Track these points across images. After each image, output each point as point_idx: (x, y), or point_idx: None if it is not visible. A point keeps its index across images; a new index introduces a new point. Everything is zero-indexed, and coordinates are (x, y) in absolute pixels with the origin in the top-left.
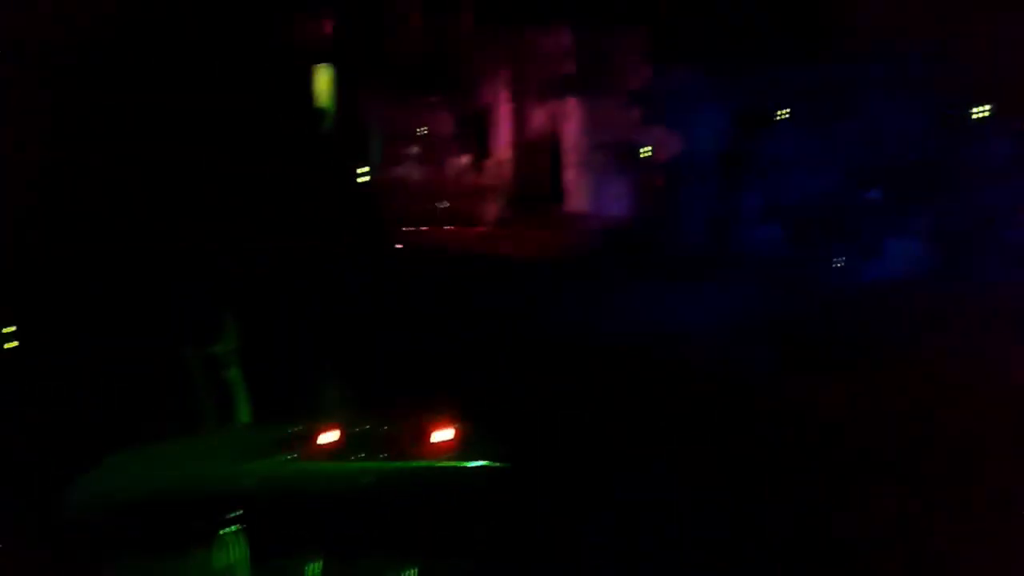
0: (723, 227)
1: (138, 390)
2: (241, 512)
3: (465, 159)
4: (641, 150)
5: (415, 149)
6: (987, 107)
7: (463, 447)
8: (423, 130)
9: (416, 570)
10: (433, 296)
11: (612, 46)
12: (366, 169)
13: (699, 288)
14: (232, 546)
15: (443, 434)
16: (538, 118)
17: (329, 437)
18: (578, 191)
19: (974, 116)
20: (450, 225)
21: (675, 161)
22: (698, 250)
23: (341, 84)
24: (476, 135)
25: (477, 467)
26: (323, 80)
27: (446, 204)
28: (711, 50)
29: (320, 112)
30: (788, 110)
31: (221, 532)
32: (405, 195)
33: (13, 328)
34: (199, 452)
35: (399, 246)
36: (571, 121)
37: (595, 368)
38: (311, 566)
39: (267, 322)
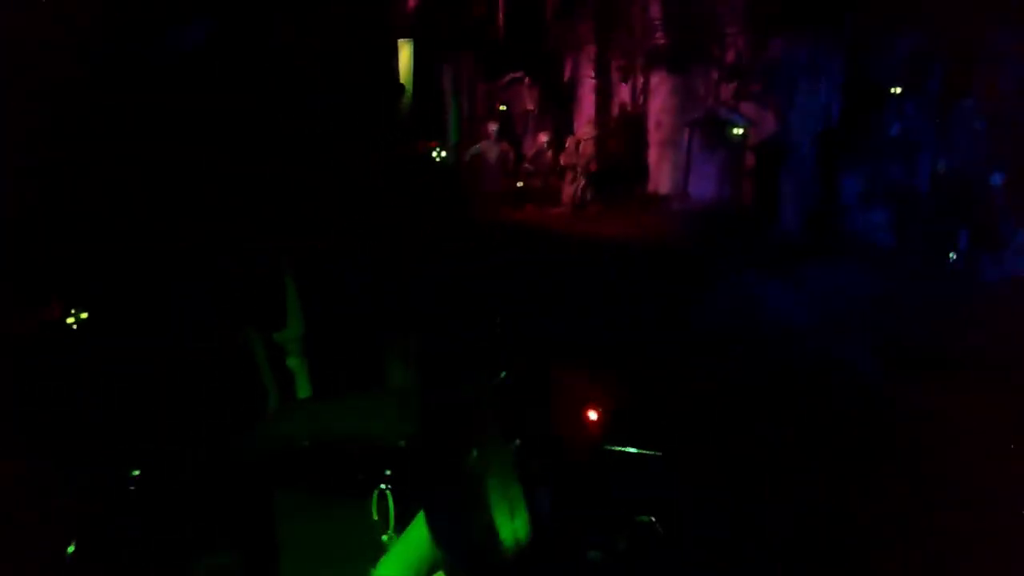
0: (825, 212)
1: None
2: (390, 472)
3: (545, 137)
4: (734, 128)
5: (495, 126)
6: None
7: (607, 430)
8: (503, 107)
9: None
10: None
11: (704, 16)
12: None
13: (800, 282)
14: (385, 501)
15: (591, 415)
16: (623, 94)
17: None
18: (664, 171)
19: None
20: (528, 204)
21: (772, 139)
22: (797, 238)
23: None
24: (558, 112)
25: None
26: (404, 56)
27: (521, 184)
28: (814, 17)
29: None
30: (901, 83)
31: (380, 487)
32: (483, 173)
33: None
34: (359, 410)
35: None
36: (658, 97)
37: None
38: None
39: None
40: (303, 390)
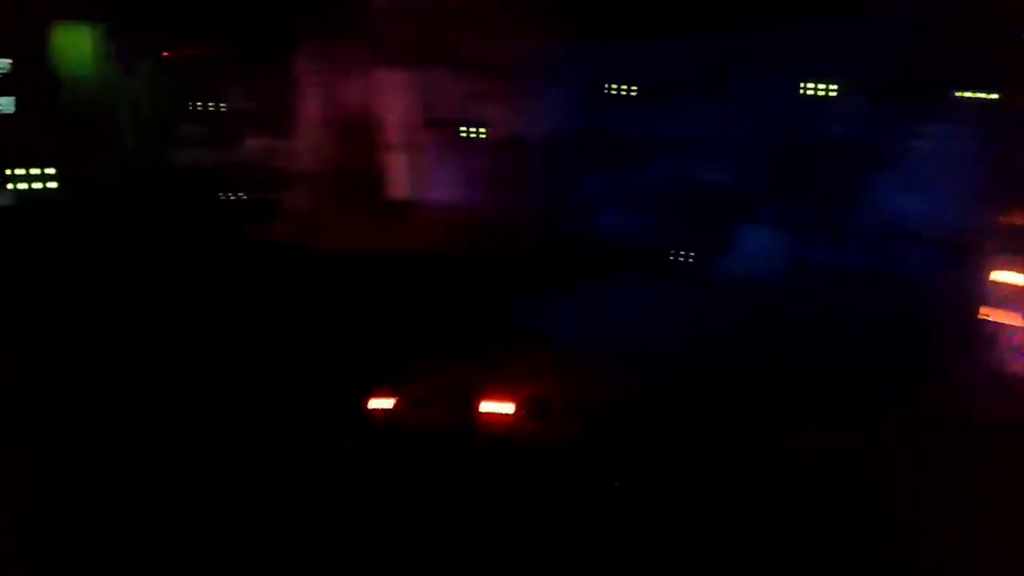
0: (568, 214)
1: None
2: None
3: (269, 140)
4: (474, 129)
5: (208, 128)
6: (837, 86)
7: (521, 422)
8: (219, 106)
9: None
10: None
11: (445, 9)
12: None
13: (552, 289)
14: None
15: (501, 407)
16: (357, 92)
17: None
18: (404, 176)
19: (827, 94)
20: (252, 218)
21: (514, 141)
22: (541, 241)
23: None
24: (280, 112)
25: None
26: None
27: (240, 196)
28: (564, 16)
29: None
30: (643, 85)
31: None
32: (196, 183)
33: None
34: None
35: None
36: (394, 96)
37: None
38: None
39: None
40: None
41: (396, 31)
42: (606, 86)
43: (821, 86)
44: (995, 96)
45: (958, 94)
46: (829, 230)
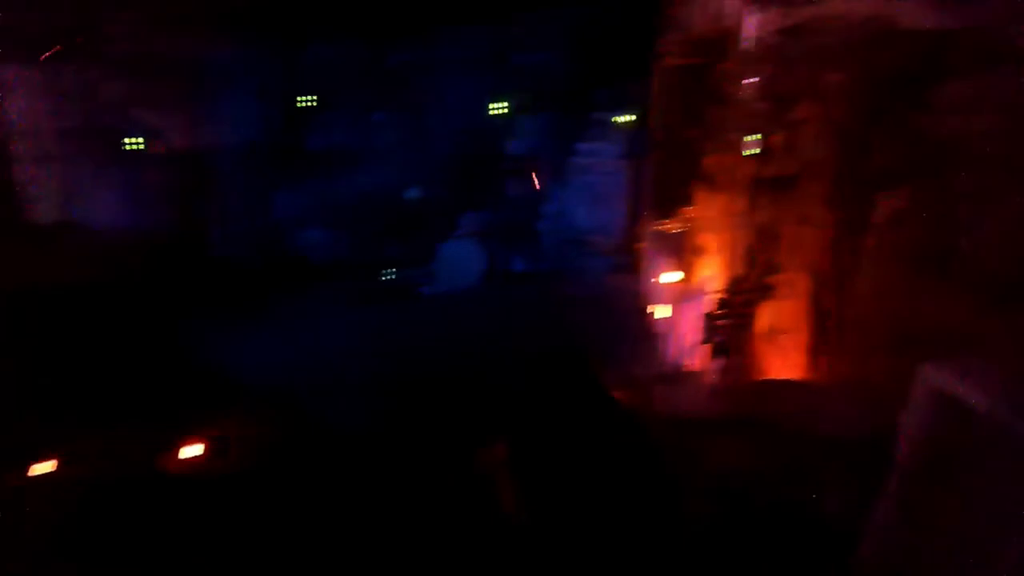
0: (261, 232)
1: None
2: None
3: None
4: (131, 139)
5: None
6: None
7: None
8: None
9: None
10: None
11: None
12: None
13: (260, 317)
14: None
15: (192, 450)
16: None
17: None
18: (46, 194)
19: (503, 112)
20: None
21: (189, 153)
22: (236, 262)
23: None
24: None
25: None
26: None
27: None
28: (240, 17)
29: None
30: (323, 96)
31: None
32: None
33: None
34: None
35: None
36: (21, 97)
37: None
38: None
39: None
40: None
41: (29, 17)
42: (291, 96)
43: (498, 105)
44: (634, 117)
45: (614, 116)
46: (518, 240)
